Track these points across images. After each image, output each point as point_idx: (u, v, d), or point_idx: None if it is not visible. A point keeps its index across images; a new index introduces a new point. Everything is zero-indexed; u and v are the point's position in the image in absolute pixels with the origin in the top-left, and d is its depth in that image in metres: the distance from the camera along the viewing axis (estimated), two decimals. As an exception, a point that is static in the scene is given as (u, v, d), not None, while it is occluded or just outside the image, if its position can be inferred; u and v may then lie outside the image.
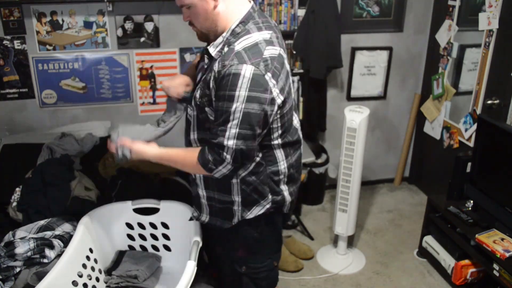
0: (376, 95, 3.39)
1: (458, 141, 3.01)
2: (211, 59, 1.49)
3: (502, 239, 2.26)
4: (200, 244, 1.80)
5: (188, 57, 2.96)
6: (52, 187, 2.18)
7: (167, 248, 2.14)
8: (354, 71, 3.27)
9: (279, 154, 1.59)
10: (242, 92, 1.36)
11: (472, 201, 2.55)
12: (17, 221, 2.14)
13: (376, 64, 3.30)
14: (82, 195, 2.23)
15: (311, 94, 3.14)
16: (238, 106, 1.37)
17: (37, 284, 1.62)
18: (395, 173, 3.69)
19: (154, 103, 3.02)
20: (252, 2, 1.53)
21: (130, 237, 2.14)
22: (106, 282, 2.00)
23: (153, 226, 2.11)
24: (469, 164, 2.56)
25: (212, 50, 1.47)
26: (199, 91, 1.51)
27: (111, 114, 2.98)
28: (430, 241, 2.74)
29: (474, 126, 2.79)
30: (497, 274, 2.20)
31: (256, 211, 1.60)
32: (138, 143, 1.60)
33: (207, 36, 1.51)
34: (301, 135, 1.71)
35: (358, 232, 3.04)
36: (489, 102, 2.64)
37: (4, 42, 2.67)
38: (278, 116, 1.51)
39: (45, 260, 1.85)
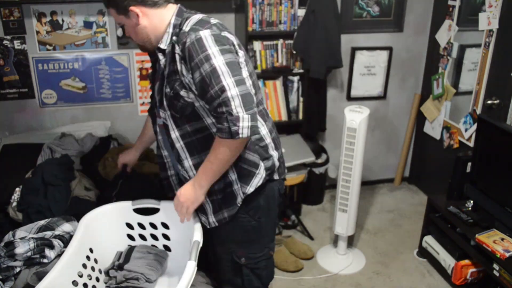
0: (376, 95, 3.39)
1: (458, 141, 3.01)
2: (164, 54, 1.56)
3: (502, 239, 2.26)
4: (200, 244, 1.80)
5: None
6: (52, 187, 2.18)
7: (167, 248, 2.14)
8: (354, 71, 3.27)
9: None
10: (213, 49, 1.43)
11: (472, 201, 2.55)
12: (17, 221, 2.14)
13: (376, 64, 3.30)
14: (82, 195, 2.22)
15: (311, 94, 3.14)
16: (218, 60, 1.42)
17: (37, 284, 1.61)
18: (395, 173, 3.69)
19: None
20: (178, 4, 1.62)
21: (130, 237, 2.14)
22: (106, 283, 2.00)
23: (153, 226, 2.11)
24: (469, 164, 2.56)
25: (164, 45, 1.56)
26: (167, 86, 1.55)
27: (111, 114, 2.98)
28: (430, 241, 2.74)
29: (474, 126, 2.79)
30: (497, 274, 2.20)
31: (255, 183, 1.63)
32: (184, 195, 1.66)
33: (145, 47, 1.63)
34: (267, 111, 1.76)
35: (358, 232, 3.04)
36: (489, 102, 2.64)
37: (4, 42, 2.67)
38: (247, 74, 1.56)
39: (45, 260, 1.85)
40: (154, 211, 2.08)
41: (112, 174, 2.43)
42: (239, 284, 1.81)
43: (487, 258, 2.27)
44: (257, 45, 2.99)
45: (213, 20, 1.55)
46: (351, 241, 2.91)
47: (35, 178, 2.21)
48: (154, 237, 2.14)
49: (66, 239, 1.94)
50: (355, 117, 2.44)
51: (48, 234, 1.94)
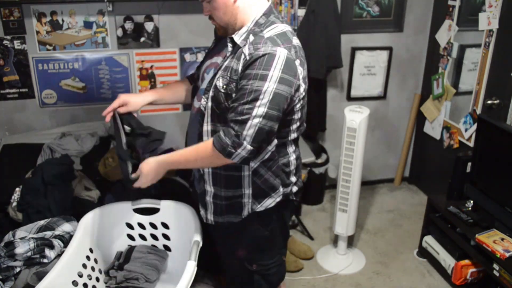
0: (376, 95, 3.40)
1: (458, 141, 3.01)
2: (234, 47, 1.51)
3: (502, 239, 2.26)
4: (200, 244, 1.80)
5: (188, 57, 2.96)
6: (52, 187, 2.18)
7: (167, 248, 2.14)
8: (354, 71, 3.27)
9: (290, 145, 1.63)
10: (276, 72, 1.38)
11: (472, 201, 2.55)
12: (17, 221, 2.14)
13: (376, 64, 3.30)
14: (82, 195, 2.23)
15: (311, 94, 3.13)
16: (270, 86, 1.38)
17: (37, 284, 1.61)
18: (395, 173, 3.69)
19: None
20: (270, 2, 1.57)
21: (130, 237, 2.14)
22: (106, 283, 2.00)
23: (153, 226, 2.11)
24: (469, 164, 2.56)
25: (237, 38, 1.49)
26: (221, 79, 1.49)
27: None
28: (430, 241, 2.74)
29: (474, 126, 2.79)
30: (497, 274, 2.20)
31: (266, 204, 1.61)
32: (146, 167, 1.60)
33: (226, 30, 1.54)
34: None
35: (358, 232, 3.04)
36: (489, 102, 2.64)
37: (4, 42, 2.67)
38: (300, 107, 1.54)
39: (45, 260, 1.85)
40: (154, 211, 2.08)
41: (112, 174, 2.43)
42: None
43: (487, 258, 2.27)
44: (257, 45, 2.99)
45: (295, 41, 1.49)
46: (351, 241, 2.91)
47: (35, 178, 2.22)
48: (154, 237, 2.14)
49: (66, 239, 1.94)
50: (355, 117, 2.44)
51: (48, 234, 1.94)
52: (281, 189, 1.62)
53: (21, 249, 1.82)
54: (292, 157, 1.64)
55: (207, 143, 1.47)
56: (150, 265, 2.02)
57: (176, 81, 1.96)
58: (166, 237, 2.12)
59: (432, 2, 3.19)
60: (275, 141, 1.56)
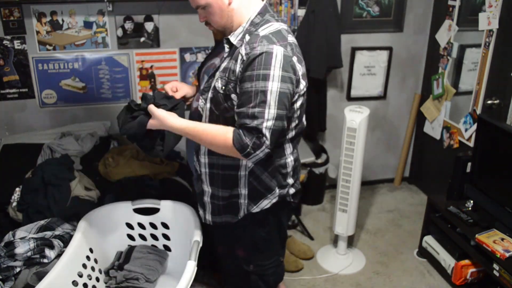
0: (376, 95, 3.39)
1: (458, 141, 3.01)
2: (231, 48, 1.51)
3: (502, 239, 2.26)
4: (200, 244, 1.80)
5: (188, 57, 2.96)
6: (52, 187, 2.18)
7: (167, 248, 2.14)
8: (354, 71, 3.27)
9: (288, 147, 1.61)
10: (276, 71, 1.38)
11: (472, 201, 2.55)
12: (17, 221, 2.14)
13: (376, 64, 3.30)
14: (82, 195, 2.23)
15: (311, 94, 3.13)
16: (274, 86, 1.38)
17: (37, 284, 1.62)
18: (395, 173, 3.69)
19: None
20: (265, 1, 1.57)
21: (130, 237, 2.14)
22: (106, 283, 2.00)
23: (153, 226, 2.11)
24: (469, 164, 2.56)
25: (234, 39, 1.50)
26: (220, 81, 1.49)
27: (111, 114, 2.98)
28: (430, 241, 2.74)
29: (474, 126, 2.79)
30: (497, 274, 2.20)
31: (262, 205, 1.61)
32: (162, 111, 1.53)
33: (224, 34, 1.55)
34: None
35: (358, 232, 3.04)
36: (489, 102, 2.64)
37: (4, 42, 2.67)
38: (299, 105, 1.54)
39: (45, 260, 1.85)
40: (154, 211, 2.08)
41: (112, 174, 2.43)
42: None
43: (487, 258, 2.27)
44: (257, 45, 2.99)
45: (290, 38, 1.50)
46: (351, 241, 2.91)
47: (35, 178, 2.22)
48: (154, 237, 2.14)
49: (66, 239, 1.94)
50: (355, 117, 2.44)
51: (48, 234, 1.94)
52: (277, 190, 1.61)
53: (21, 249, 1.82)
54: (290, 159, 1.63)
55: (226, 136, 1.42)
56: (150, 265, 2.02)
57: None
58: (166, 237, 2.12)
59: (432, 2, 3.19)
60: None
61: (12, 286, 1.79)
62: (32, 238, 1.88)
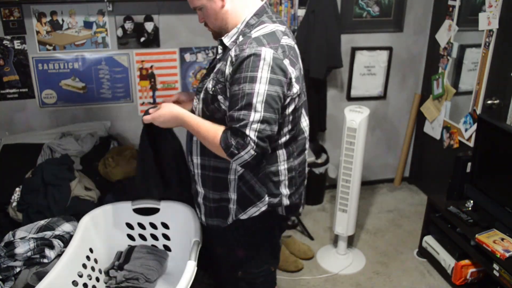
0: (376, 95, 3.39)
1: (458, 141, 3.01)
2: (225, 50, 1.51)
3: (502, 239, 2.26)
4: (200, 244, 1.80)
5: (188, 57, 2.97)
6: (52, 187, 2.18)
7: (167, 248, 2.14)
8: (354, 71, 3.27)
9: (281, 153, 1.56)
10: (264, 73, 1.36)
11: (472, 201, 2.55)
12: (17, 221, 2.14)
13: (376, 64, 3.30)
14: (82, 195, 2.23)
15: (311, 94, 3.13)
16: (261, 88, 1.36)
17: (37, 284, 1.62)
18: (395, 173, 3.69)
19: (154, 103, 3.02)
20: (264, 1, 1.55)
21: (130, 237, 2.14)
22: (106, 283, 2.00)
23: (153, 226, 2.11)
24: (469, 164, 2.56)
25: (227, 41, 1.50)
26: (211, 82, 1.50)
27: (111, 114, 2.98)
28: (430, 241, 2.74)
29: (474, 126, 2.79)
30: (497, 274, 2.20)
31: (250, 212, 1.58)
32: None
33: (221, 35, 1.54)
34: (307, 140, 1.69)
35: (358, 232, 3.04)
36: (489, 102, 2.64)
37: (4, 42, 2.67)
38: (291, 109, 1.50)
39: (45, 260, 1.85)
40: (154, 211, 2.08)
41: (112, 174, 2.44)
42: None
43: (487, 258, 2.27)
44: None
45: (285, 40, 1.46)
46: (351, 241, 2.91)
47: (35, 178, 2.22)
48: (154, 237, 2.14)
49: (66, 239, 1.94)
50: (355, 117, 2.44)
51: (48, 234, 1.94)
52: (266, 198, 1.56)
53: (21, 249, 1.82)
54: (282, 167, 1.57)
55: (216, 133, 1.42)
56: (150, 265, 2.02)
57: None
58: (166, 237, 2.12)
59: (432, 2, 3.19)
60: None
61: (12, 286, 1.79)
62: (32, 238, 1.88)
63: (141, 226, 2.12)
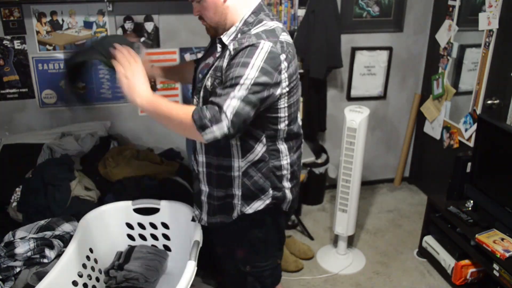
0: (376, 95, 3.39)
1: (458, 141, 3.01)
2: (224, 48, 1.50)
3: (502, 239, 2.26)
4: (200, 244, 1.80)
5: (188, 57, 2.96)
6: (52, 187, 2.18)
7: (167, 248, 2.14)
8: (354, 71, 3.27)
9: (283, 148, 1.59)
10: (258, 61, 1.36)
11: (472, 201, 2.55)
12: (17, 221, 2.14)
13: (376, 64, 3.30)
14: (82, 195, 2.23)
15: (311, 94, 3.14)
16: (251, 74, 1.34)
17: (37, 284, 1.62)
18: (395, 173, 3.69)
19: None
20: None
21: (130, 237, 2.14)
22: (106, 283, 2.00)
23: (153, 226, 2.11)
24: (469, 164, 2.56)
25: (226, 39, 1.49)
26: (210, 79, 1.49)
27: (111, 114, 2.98)
28: (430, 241, 2.74)
29: (474, 126, 2.79)
30: (497, 274, 2.20)
31: (256, 206, 1.59)
32: (139, 73, 1.47)
33: (216, 31, 1.53)
34: (302, 134, 1.71)
35: (358, 232, 3.04)
36: (489, 102, 2.64)
37: (4, 42, 2.67)
38: (286, 105, 1.51)
39: (45, 260, 1.85)
40: (154, 211, 2.08)
41: (112, 174, 2.43)
42: None
43: (487, 258, 2.27)
44: (257, 45, 2.99)
45: (283, 37, 1.45)
46: (351, 241, 2.91)
47: (35, 178, 2.22)
48: (154, 237, 2.14)
49: (66, 239, 1.94)
50: (355, 117, 2.44)
51: (48, 234, 1.94)
52: (270, 191, 1.59)
53: (21, 249, 1.82)
54: (285, 161, 1.60)
55: (188, 110, 1.37)
56: (150, 265, 2.02)
57: (186, 63, 1.90)
58: (166, 237, 2.12)
59: (432, 2, 3.19)
60: (264, 141, 1.53)
61: (12, 286, 1.79)
62: (32, 238, 1.88)
63: (141, 226, 2.12)
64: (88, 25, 2.75)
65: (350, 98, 3.34)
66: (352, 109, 2.50)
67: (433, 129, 3.29)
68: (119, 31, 2.79)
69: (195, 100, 1.58)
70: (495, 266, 2.21)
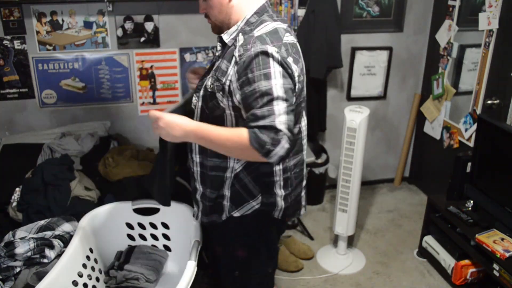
0: (376, 95, 3.39)
1: (458, 141, 3.01)
2: (224, 47, 1.51)
3: (502, 239, 2.26)
4: (200, 244, 1.80)
5: (188, 57, 2.96)
6: (52, 187, 2.18)
7: (167, 248, 2.14)
8: (354, 71, 3.27)
9: None
10: (276, 68, 1.35)
11: (472, 201, 2.55)
12: (17, 221, 2.14)
13: (376, 64, 3.30)
14: (82, 195, 2.23)
15: (311, 94, 3.13)
16: (278, 83, 1.34)
17: (37, 284, 1.62)
18: (395, 173, 3.69)
19: (154, 103, 3.02)
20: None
21: (130, 237, 2.14)
22: (106, 283, 2.00)
23: (153, 226, 2.11)
24: (469, 164, 2.56)
25: (226, 38, 1.49)
26: (210, 79, 1.49)
27: (111, 114, 2.98)
28: (430, 241, 2.74)
29: (474, 126, 2.79)
30: (497, 274, 2.20)
31: (243, 210, 1.58)
32: (170, 114, 1.45)
33: (221, 29, 1.53)
34: (304, 140, 1.68)
35: (358, 232, 3.04)
36: (489, 102, 2.64)
37: (4, 42, 2.67)
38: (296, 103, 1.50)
39: (45, 260, 1.85)
40: (154, 211, 2.08)
41: (112, 174, 2.43)
42: None
43: (487, 258, 2.27)
44: (257, 45, 2.99)
45: (287, 38, 1.45)
46: (351, 241, 2.91)
47: (35, 178, 2.22)
48: (154, 237, 2.14)
49: (66, 239, 1.94)
50: (355, 117, 2.44)
51: (48, 234, 1.94)
52: (259, 197, 1.56)
53: (21, 249, 1.82)
54: (277, 167, 1.55)
55: (241, 136, 1.33)
56: (150, 265, 2.02)
57: None
58: (166, 237, 2.12)
59: (432, 2, 3.19)
60: None
61: (12, 286, 1.79)
62: (32, 238, 1.88)
63: (141, 226, 2.12)
64: (88, 25, 2.75)
65: (350, 98, 3.34)
66: (352, 109, 2.50)
67: (433, 129, 3.29)
68: (119, 31, 2.79)
69: (194, 98, 1.59)
70: (495, 266, 2.21)
